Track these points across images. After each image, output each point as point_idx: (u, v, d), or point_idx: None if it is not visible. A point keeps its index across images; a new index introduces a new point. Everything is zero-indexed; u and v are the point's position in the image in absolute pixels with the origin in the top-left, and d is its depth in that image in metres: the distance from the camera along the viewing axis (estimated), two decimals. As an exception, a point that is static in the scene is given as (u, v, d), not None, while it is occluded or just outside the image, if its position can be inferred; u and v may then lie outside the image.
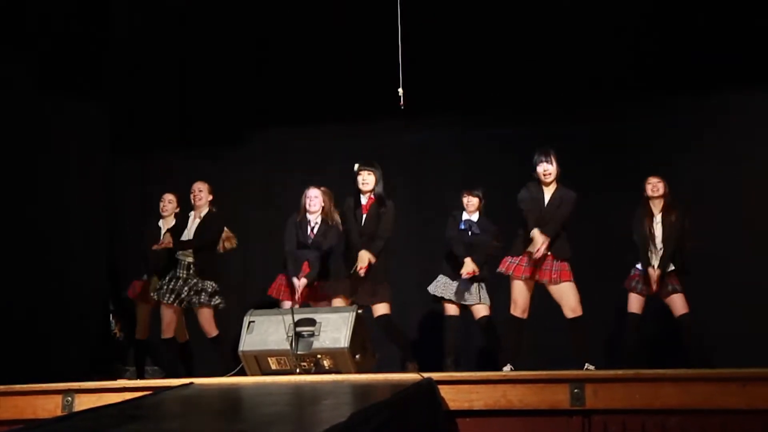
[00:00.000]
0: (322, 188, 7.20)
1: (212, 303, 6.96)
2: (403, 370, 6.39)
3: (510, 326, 6.49)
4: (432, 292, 7.15)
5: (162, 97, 8.85)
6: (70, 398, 5.37)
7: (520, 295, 6.41)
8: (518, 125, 8.32)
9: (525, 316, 6.43)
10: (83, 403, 5.30)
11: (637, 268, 6.90)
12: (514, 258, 6.46)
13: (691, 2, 7.84)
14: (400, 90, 6.62)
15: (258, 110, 8.78)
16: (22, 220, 7.23)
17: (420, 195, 8.41)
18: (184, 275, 7.01)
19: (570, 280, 6.33)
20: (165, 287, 6.97)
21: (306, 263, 6.95)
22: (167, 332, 7.06)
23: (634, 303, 6.88)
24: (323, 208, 7.14)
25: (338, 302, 6.58)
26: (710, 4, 7.77)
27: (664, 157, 7.71)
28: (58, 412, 5.32)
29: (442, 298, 7.10)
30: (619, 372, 5.11)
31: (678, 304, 6.77)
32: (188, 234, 7.08)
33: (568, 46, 8.09)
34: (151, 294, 7.22)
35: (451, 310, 7.10)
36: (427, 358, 7.20)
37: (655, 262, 6.80)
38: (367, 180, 6.63)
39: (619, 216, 7.37)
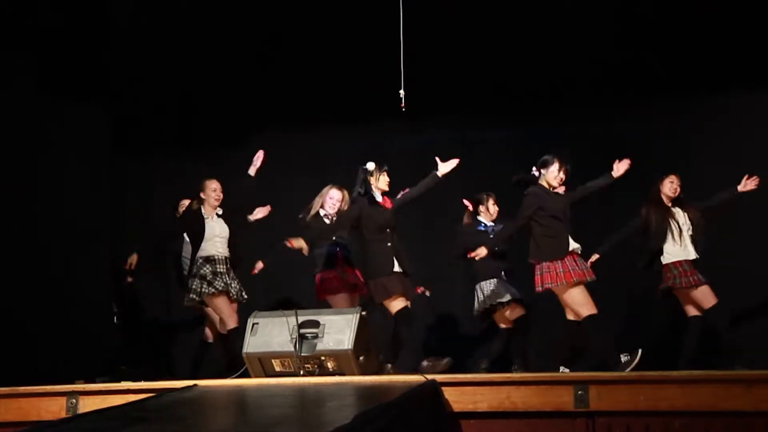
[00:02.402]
0: (343, 189, 7.29)
1: (244, 297, 7.06)
2: (382, 369, 6.34)
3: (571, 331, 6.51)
4: (481, 308, 7.21)
5: (164, 99, 8.85)
6: (74, 400, 5.38)
7: (578, 296, 6.34)
8: (521, 126, 8.33)
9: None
10: (87, 405, 5.31)
11: (676, 264, 6.78)
12: (554, 263, 6.35)
13: (693, 3, 7.85)
14: (402, 92, 6.63)
15: (261, 112, 8.78)
16: (24, 222, 7.23)
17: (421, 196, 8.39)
18: (224, 269, 7.03)
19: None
20: (216, 283, 6.94)
21: (339, 252, 7.14)
22: (231, 322, 7.00)
23: (691, 302, 6.76)
24: (338, 209, 7.26)
25: (395, 299, 6.55)
26: (713, 6, 7.77)
27: (667, 158, 7.72)
28: (63, 414, 5.32)
29: (495, 305, 7.16)
30: (624, 374, 5.12)
31: (708, 296, 6.72)
32: (222, 231, 7.09)
33: (571, 47, 8.09)
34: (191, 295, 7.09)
35: (505, 322, 7.19)
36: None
37: (688, 251, 6.79)
38: (386, 180, 6.72)
39: (621, 217, 7.38)
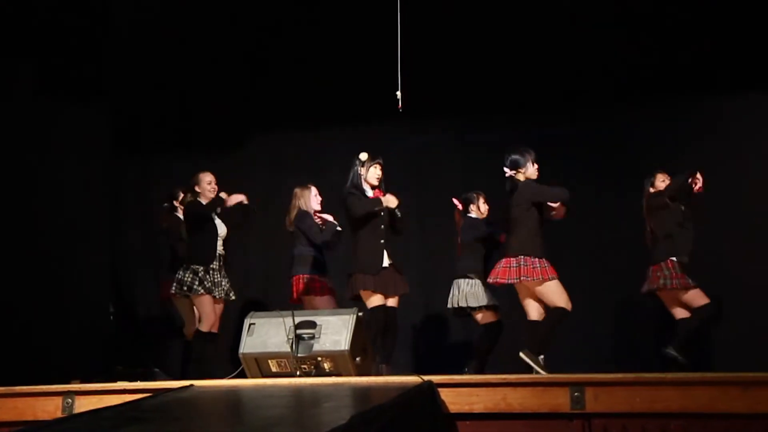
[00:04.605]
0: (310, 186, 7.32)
1: (231, 297, 7.01)
2: (378, 370, 6.29)
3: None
4: (453, 305, 7.09)
5: (163, 100, 8.85)
6: (70, 400, 5.36)
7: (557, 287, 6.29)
8: (517, 127, 8.32)
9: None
10: (83, 405, 5.29)
11: (669, 262, 6.73)
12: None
13: (692, 3, 7.86)
14: (399, 93, 6.62)
15: (259, 113, 8.79)
16: (23, 222, 7.24)
17: (419, 197, 8.40)
18: (217, 266, 6.96)
19: (554, 277, 6.27)
20: (207, 281, 6.86)
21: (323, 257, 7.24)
22: (215, 326, 6.95)
23: (677, 305, 6.70)
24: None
25: (368, 295, 6.48)
26: (711, 6, 7.77)
27: (663, 159, 7.72)
28: (58, 414, 5.31)
29: (470, 308, 7.03)
30: (620, 375, 5.10)
31: (698, 296, 6.68)
32: (222, 231, 7.01)
33: (567, 48, 8.09)
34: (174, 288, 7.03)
35: (489, 317, 7.04)
36: (426, 361, 7.21)
37: (682, 253, 6.75)
38: (379, 173, 6.62)
39: (617, 217, 7.38)
